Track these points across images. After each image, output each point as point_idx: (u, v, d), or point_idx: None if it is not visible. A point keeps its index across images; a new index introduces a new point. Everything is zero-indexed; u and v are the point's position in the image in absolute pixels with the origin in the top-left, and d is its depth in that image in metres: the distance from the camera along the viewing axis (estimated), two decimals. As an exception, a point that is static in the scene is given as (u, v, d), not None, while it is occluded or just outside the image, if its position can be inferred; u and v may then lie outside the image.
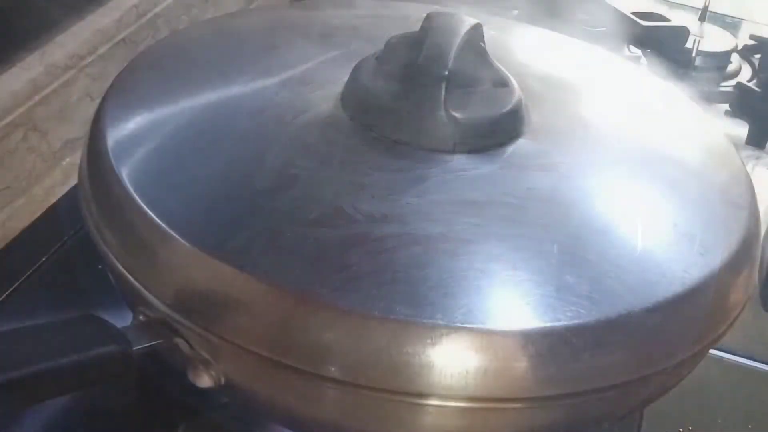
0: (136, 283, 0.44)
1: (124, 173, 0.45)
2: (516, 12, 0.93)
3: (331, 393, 0.42)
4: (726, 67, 0.93)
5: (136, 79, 0.52)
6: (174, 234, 0.42)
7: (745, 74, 0.92)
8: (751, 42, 0.96)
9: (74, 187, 0.53)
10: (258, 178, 0.46)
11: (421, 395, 0.41)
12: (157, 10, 0.77)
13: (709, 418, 0.58)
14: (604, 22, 0.93)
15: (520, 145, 0.49)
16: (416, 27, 0.49)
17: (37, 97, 0.66)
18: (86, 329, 0.42)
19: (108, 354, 0.41)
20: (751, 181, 0.51)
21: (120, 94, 0.51)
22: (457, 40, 0.48)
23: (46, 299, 0.59)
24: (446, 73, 0.47)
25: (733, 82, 0.91)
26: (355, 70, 0.50)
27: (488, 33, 0.51)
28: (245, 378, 0.43)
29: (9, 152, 0.64)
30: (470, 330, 0.40)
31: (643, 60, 0.89)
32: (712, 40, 0.94)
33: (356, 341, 0.40)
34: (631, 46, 0.91)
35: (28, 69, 0.66)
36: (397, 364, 0.40)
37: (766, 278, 0.66)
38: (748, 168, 0.54)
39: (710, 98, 0.88)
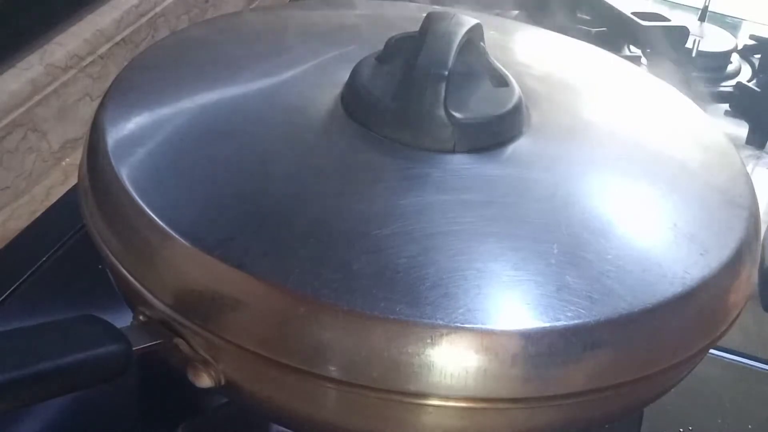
0: (136, 283, 0.44)
1: (124, 173, 0.45)
2: (516, 12, 0.93)
3: (331, 393, 0.42)
4: (726, 67, 0.93)
5: (136, 79, 0.52)
6: (174, 234, 0.42)
7: (745, 74, 0.93)
8: (751, 42, 0.96)
9: (74, 187, 0.53)
10: (258, 178, 0.46)
11: (421, 395, 0.41)
12: (157, 10, 0.77)
13: (709, 418, 0.58)
14: (604, 22, 0.93)
15: (520, 144, 0.49)
16: (416, 27, 0.49)
17: (37, 97, 0.66)
18: (86, 329, 0.42)
19: (108, 354, 0.41)
20: (751, 181, 0.51)
21: (120, 94, 0.51)
22: (457, 40, 0.48)
23: (46, 299, 0.59)
24: (446, 73, 0.47)
25: (733, 82, 0.91)
26: (355, 70, 0.50)
27: (488, 33, 0.51)
28: (245, 378, 0.43)
29: (9, 152, 0.64)
30: (470, 330, 0.40)
31: (643, 60, 0.89)
32: (712, 40, 0.94)
33: (356, 341, 0.40)
34: (631, 46, 0.92)
35: (28, 69, 0.66)
36: (397, 364, 0.40)
37: (766, 278, 0.66)
38: (748, 168, 0.54)
39: (710, 98, 0.88)
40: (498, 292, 0.42)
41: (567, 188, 0.48)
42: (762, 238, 0.50)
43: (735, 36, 0.96)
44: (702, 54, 0.91)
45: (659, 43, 0.90)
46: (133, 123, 0.49)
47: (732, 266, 0.46)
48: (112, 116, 0.49)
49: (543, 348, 0.40)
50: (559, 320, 0.41)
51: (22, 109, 0.64)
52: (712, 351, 0.48)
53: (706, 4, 0.98)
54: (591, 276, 0.43)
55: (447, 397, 0.41)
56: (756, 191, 0.51)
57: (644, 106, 0.57)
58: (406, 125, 0.47)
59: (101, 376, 0.41)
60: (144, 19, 0.75)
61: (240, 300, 0.41)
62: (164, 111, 0.50)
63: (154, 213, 0.43)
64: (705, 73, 0.91)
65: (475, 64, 0.50)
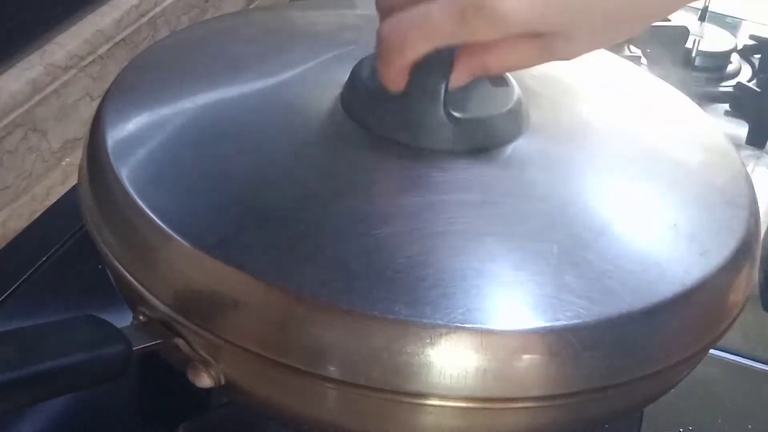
0: (136, 283, 0.44)
1: (124, 173, 0.45)
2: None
3: (330, 393, 0.42)
4: (726, 67, 0.93)
5: (136, 79, 0.52)
6: (174, 234, 0.42)
7: (745, 74, 0.93)
8: (751, 42, 0.96)
9: (74, 187, 0.53)
10: (257, 178, 0.46)
11: (421, 395, 0.41)
12: (157, 10, 0.77)
13: (709, 418, 0.58)
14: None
15: (520, 144, 0.49)
16: (416, 27, 0.49)
17: (37, 97, 0.66)
18: (86, 329, 0.42)
19: (108, 354, 0.41)
20: (751, 181, 0.51)
21: (120, 94, 0.51)
22: (457, 40, 0.48)
23: (46, 299, 0.59)
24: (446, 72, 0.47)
25: (733, 82, 0.91)
26: (355, 70, 0.50)
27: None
28: (245, 378, 0.43)
29: (9, 152, 0.64)
30: (469, 330, 0.40)
31: (643, 60, 0.89)
32: (712, 40, 0.94)
33: (356, 341, 0.40)
34: (631, 46, 0.91)
35: (28, 69, 0.66)
36: (397, 364, 0.40)
37: (766, 278, 0.66)
38: (748, 168, 0.54)
39: (710, 98, 0.88)
40: (498, 292, 0.42)
41: (567, 188, 0.48)
42: (762, 238, 0.50)
43: (735, 36, 0.96)
44: (702, 54, 0.91)
45: (659, 43, 0.89)
46: (133, 123, 0.49)
47: (732, 266, 0.46)
48: (112, 116, 0.49)
49: (543, 348, 0.40)
50: (559, 320, 0.41)
51: (22, 109, 0.64)
52: (712, 351, 0.48)
53: (706, 4, 0.97)
54: (591, 276, 0.43)
55: (447, 397, 0.41)
56: (756, 191, 0.51)
57: (644, 106, 0.57)
58: (406, 125, 0.47)
59: (101, 376, 0.41)
60: (144, 19, 0.75)
61: (240, 300, 0.41)
62: (164, 111, 0.50)
63: (154, 213, 0.43)
64: (705, 73, 0.91)
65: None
